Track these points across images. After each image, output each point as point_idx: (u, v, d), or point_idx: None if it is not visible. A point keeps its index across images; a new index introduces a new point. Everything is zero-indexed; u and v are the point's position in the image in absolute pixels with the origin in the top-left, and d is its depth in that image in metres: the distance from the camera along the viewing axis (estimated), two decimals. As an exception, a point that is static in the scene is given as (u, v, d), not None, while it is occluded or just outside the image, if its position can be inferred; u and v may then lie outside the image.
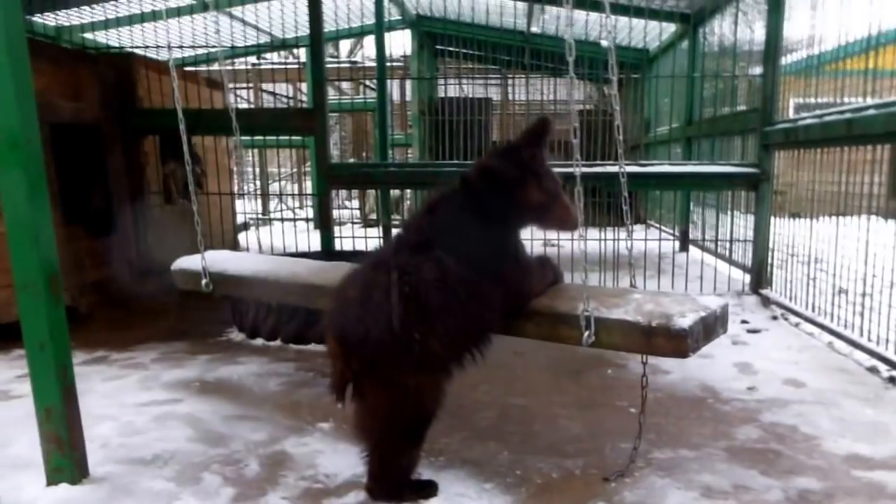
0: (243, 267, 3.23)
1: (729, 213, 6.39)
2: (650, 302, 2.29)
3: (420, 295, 2.10)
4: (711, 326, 2.26)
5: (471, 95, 10.21)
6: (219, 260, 3.33)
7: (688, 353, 2.15)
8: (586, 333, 2.24)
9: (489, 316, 2.25)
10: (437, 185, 2.46)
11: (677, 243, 7.83)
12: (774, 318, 5.01)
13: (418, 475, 2.52)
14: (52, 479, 2.39)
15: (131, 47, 7.24)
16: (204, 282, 3.23)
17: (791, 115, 5.26)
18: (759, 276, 5.54)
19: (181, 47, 7.82)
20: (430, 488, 2.37)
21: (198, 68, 9.07)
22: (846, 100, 4.39)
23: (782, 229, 5.28)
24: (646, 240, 6.14)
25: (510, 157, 2.35)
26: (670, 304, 2.26)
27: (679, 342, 2.14)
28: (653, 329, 2.17)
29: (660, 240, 6.58)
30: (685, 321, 2.15)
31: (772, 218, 5.41)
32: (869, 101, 3.96)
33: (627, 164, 6.66)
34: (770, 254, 5.46)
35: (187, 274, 3.34)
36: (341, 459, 2.60)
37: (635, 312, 2.23)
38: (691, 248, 7.72)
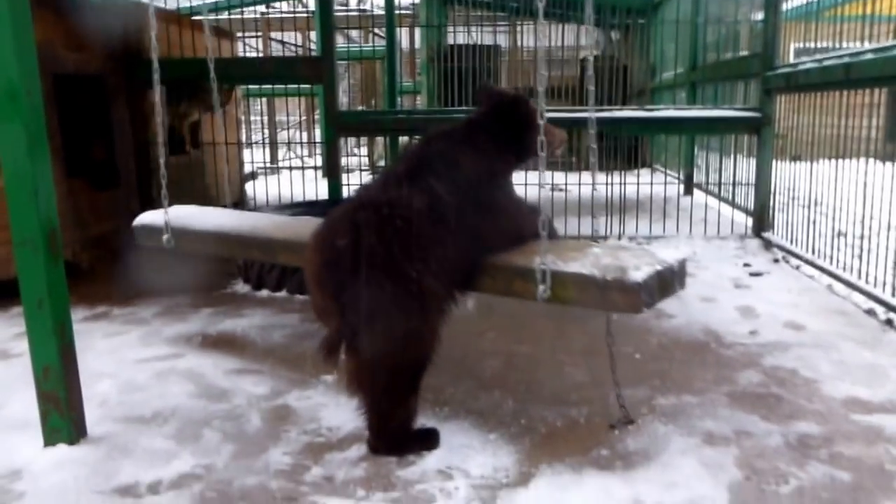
0: (206, 222, 3.10)
1: (732, 156, 6.27)
2: (608, 256, 2.19)
3: (413, 227, 2.00)
4: (668, 281, 2.15)
5: (479, 43, 9.87)
6: (182, 215, 3.18)
7: (641, 309, 2.05)
8: (541, 287, 2.13)
9: (480, 250, 2.19)
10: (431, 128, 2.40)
11: (682, 187, 7.72)
12: (776, 260, 4.92)
13: (422, 425, 2.43)
14: (50, 440, 2.31)
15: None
16: (165, 237, 3.08)
17: (791, 60, 5.27)
18: (761, 219, 5.47)
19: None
20: (432, 437, 2.29)
21: (206, 17, 8.75)
22: (845, 45, 4.38)
23: (783, 173, 5.25)
24: (651, 183, 6.00)
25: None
26: (628, 258, 2.16)
27: (632, 297, 2.03)
28: (607, 283, 2.06)
29: (665, 183, 6.44)
30: (639, 275, 2.04)
31: (773, 161, 5.38)
32: (867, 45, 3.95)
33: (634, 109, 6.49)
34: (772, 197, 5.40)
35: (149, 229, 3.19)
36: (344, 413, 2.52)
37: (591, 266, 2.12)
38: (695, 191, 7.61)
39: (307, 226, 2.90)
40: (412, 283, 1.99)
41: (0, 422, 2.52)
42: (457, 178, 2.15)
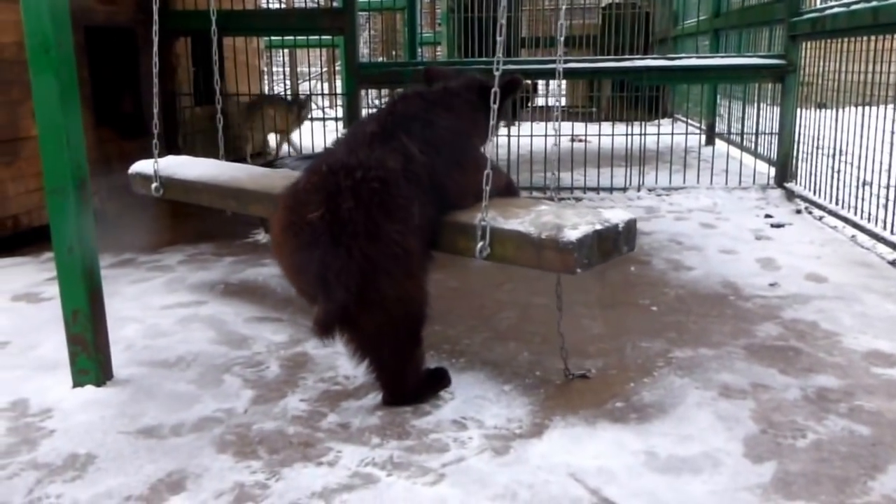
0: (192, 172, 3.10)
1: (755, 105, 6.03)
2: (551, 214, 2.03)
3: (391, 188, 1.90)
4: (612, 242, 2.00)
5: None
6: (172, 165, 3.18)
7: (574, 269, 1.90)
8: (480, 244, 2.02)
9: (449, 205, 2.11)
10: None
11: (703, 137, 7.49)
12: (798, 211, 4.76)
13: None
14: (78, 381, 2.32)
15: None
16: (154, 185, 3.12)
17: (818, 4, 5.00)
18: (784, 169, 5.30)
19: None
20: (443, 377, 2.25)
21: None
22: None
23: (807, 121, 5.04)
24: (672, 134, 5.80)
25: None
26: (570, 217, 2.00)
27: (566, 256, 1.90)
28: (542, 241, 1.93)
29: (686, 133, 6.23)
30: (575, 234, 1.90)
31: (797, 110, 5.18)
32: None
33: (655, 58, 6.24)
34: (795, 146, 5.21)
35: (142, 177, 3.21)
36: (360, 361, 2.47)
37: (530, 224, 1.98)
38: (717, 141, 7.37)
39: (281, 177, 2.87)
40: (397, 246, 1.89)
41: (32, 362, 2.54)
42: (428, 137, 2.05)
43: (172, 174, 3.11)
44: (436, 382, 2.24)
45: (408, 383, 2.16)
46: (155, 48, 3.18)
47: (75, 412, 2.17)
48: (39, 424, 2.11)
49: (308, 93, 10.79)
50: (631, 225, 2.07)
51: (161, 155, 3.18)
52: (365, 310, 1.94)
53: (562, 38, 2.29)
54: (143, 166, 3.23)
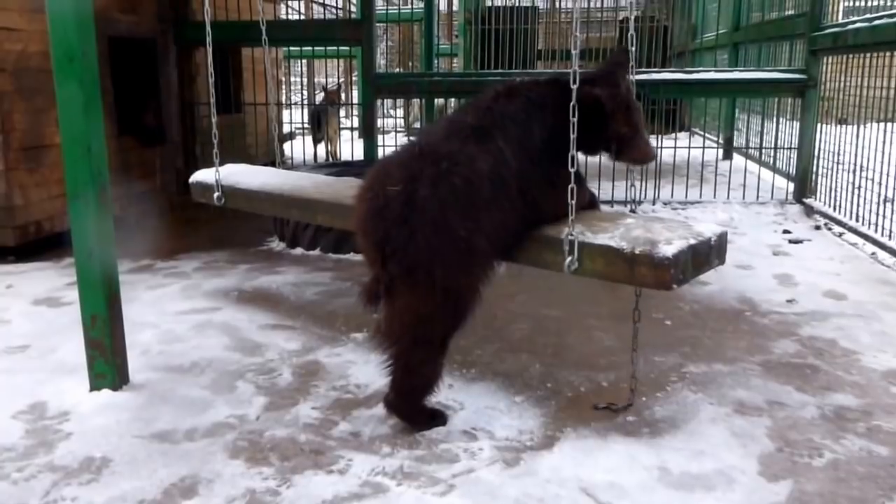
0: (253, 181, 3.10)
1: (774, 120, 5.99)
2: (640, 227, 1.99)
3: (473, 188, 1.88)
4: (704, 256, 1.95)
5: (518, 4, 9.57)
6: (233, 173, 3.20)
7: (671, 286, 1.86)
8: (569, 259, 1.98)
9: (535, 218, 2.05)
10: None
11: (721, 151, 7.46)
12: (817, 227, 4.71)
13: (449, 386, 2.39)
14: (95, 385, 2.35)
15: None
16: (216, 195, 3.14)
17: (840, 19, 4.95)
18: (803, 184, 5.26)
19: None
20: (440, 417, 2.18)
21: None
22: None
23: (828, 137, 5.01)
24: (689, 147, 5.77)
25: (608, 85, 2.10)
26: (661, 231, 1.96)
27: (662, 272, 1.85)
28: (635, 257, 1.88)
29: (703, 147, 6.20)
30: (670, 249, 1.85)
31: (817, 125, 5.15)
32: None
33: (673, 71, 6.23)
34: (815, 162, 5.17)
35: (203, 186, 3.24)
36: (372, 370, 2.48)
37: (621, 238, 1.94)
38: (735, 155, 7.33)
39: (346, 187, 2.84)
40: (461, 241, 1.88)
41: (51, 366, 2.57)
42: (525, 144, 1.98)
43: (235, 183, 3.11)
44: (432, 417, 2.17)
45: (416, 388, 2.11)
46: (208, 58, 3.22)
47: (92, 415, 2.20)
48: (57, 427, 2.14)
49: (336, 82, 10.90)
50: (723, 238, 2.05)
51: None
52: (410, 288, 1.93)
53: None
54: (203, 175, 3.26)
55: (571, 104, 1.96)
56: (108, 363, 2.34)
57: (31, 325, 2.99)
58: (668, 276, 1.84)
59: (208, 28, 3.12)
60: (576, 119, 1.95)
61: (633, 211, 2.40)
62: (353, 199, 2.10)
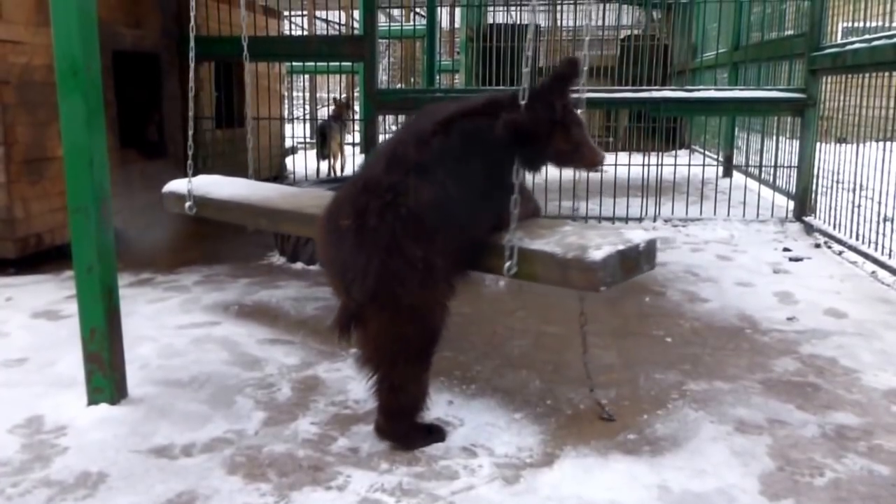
0: (224, 191, 3.14)
1: (774, 138, 6.03)
2: (575, 234, 2.11)
3: (420, 214, 1.95)
4: (633, 261, 2.07)
5: (518, 22, 9.66)
6: (205, 184, 3.23)
7: (598, 287, 1.98)
8: (508, 263, 2.08)
9: (485, 232, 2.14)
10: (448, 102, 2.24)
11: (721, 169, 7.49)
12: (817, 245, 4.71)
13: (449, 402, 2.38)
14: (93, 399, 2.34)
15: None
16: (188, 204, 3.16)
17: (839, 39, 5.04)
18: (803, 202, 5.28)
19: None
20: (438, 433, 2.17)
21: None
22: (894, 24, 4.18)
23: (827, 155, 5.04)
24: (689, 165, 5.80)
25: (540, 107, 2.10)
26: (593, 238, 2.08)
27: (590, 275, 1.97)
28: (567, 261, 2.00)
29: (703, 165, 6.23)
30: (599, 254, 1.97)
31: (817, 144, 5.19)
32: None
33: (673, 89, 6.28)
34: (814, 180, 5.20)
35: (175, 196, 3.26)
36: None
37: (555, 244, 2.06)
38: (735, 173, 7.36)
39: (311, 198, 2.93)
40: (417, 261, 1.94)
41: (48, 379, 2.56)
42: (466, 176, 2.02)
43: (206, 193, 3.16)
44: (429, 433, 2.15)
45: (405, 410, 2.10)
46: (191, 73, 3.28)
47: (89, 430, 2.19)
48: (53, 441, 2.13)
49: (345, 94, 11.02)
50: (651, 244, 2.13)
51: (180, 176, 3.24)
52: (378, 312, 1.99)
53: (585, 68, 2.30)
54: (176, 185, 3.29)
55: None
56: (106, 377, 2.32)
57: (30, 338, 2.98)
58: (597, 278, 1.96)
59: (192, 42, 3.13)
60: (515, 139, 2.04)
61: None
62: (316, 231, 2.17)
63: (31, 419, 2.26)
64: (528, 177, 2.24)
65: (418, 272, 1.95)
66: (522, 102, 2.08)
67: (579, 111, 2.24)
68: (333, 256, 2.05)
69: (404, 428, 2.11)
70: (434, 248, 1.96)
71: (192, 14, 3.11)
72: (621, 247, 2.02)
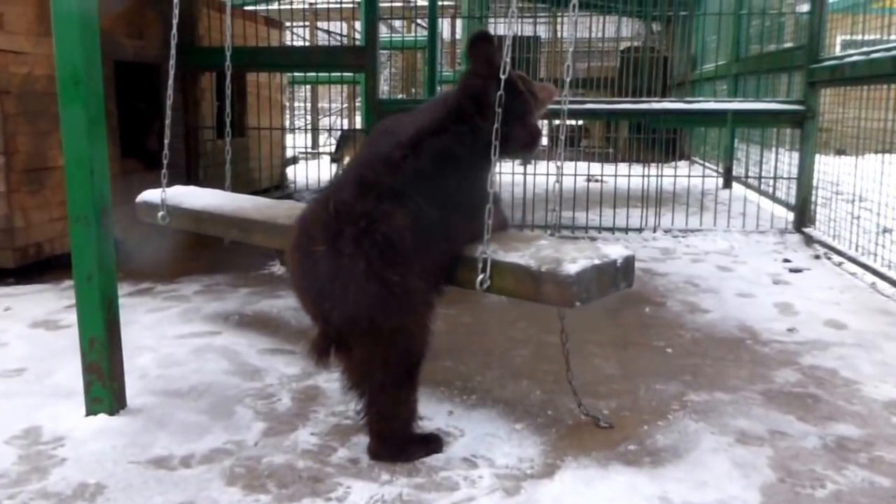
0: (197, 202, 3.12)
1: (773, 149, 6.05)
2: (551, 248, 2.06)
3: (396, 242, 1.91)
4: (609, 277, 2.01)
5: (520, 34, 9.73)
6: (178, 194, 3.21)
7: (573, 303, 1.92)
8: (481, 276, 2.03)
9: (460, 247, 2.11)
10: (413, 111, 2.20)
11: (720, 180, 7.52)
12: (817, 257, 4.72)
13: (449, 412, 2.37)
14: (91, 410, 2.33)
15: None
16: (160, 214, 3.13)
17: (838, 52, 5.12)
18: (803, 213, 5.29)
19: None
20: (436, 441, 2.16)
21: (257, 7, 8.82)
22: (893, 37, 4.24)
23: (827, 167, 5.09)
24: (689, 176, 5.82)
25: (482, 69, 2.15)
26: (569, 251, 2.02)
27: (564, 290, 1.91)
28: (541, 274, 1.94)
29: (703, 176, 6.25)
30: (574, 268, 1.91)
31: (816, 155, 5.21)
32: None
33: (673, 101, 6.31)
34: (814, 191, 5.22)
35: (148, 206, 3.22)
36: (372, 395, 2.46)
37: (530, 257, 2.01)
38: (735, 184, 7.38)
39: (285, 209, 2.92)
40: (395, 286, 1.91)
41: (47, 390, 2.55)
42: (441, 196, 2.00)
43: (179, 203, 3.13)
44: (426, 444, 2.14)
45: (396, 431, 2.09)
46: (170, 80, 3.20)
47: (87, 441, 2.18)
48: (51, 452, 2.12)
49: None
50: (629, 261, 2.08)
51: (186, 184, 3.23)
52: (358, 338, 1.96)
53: (568, 79, 2.28)
54: (149, 195, 3.26)
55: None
56: (105, 387, 2.32)
57: (28, 348, 2.98)
58: (571, 293, 1.91)
59: (173, 51, 3.10)
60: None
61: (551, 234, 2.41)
62: (287, 257, 2.14)
63: (29, 430, 2.25)
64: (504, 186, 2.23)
65: (396, 297, 1.91)
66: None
67: (566, 121, 2.26)
68: (308, 284, 2.00)
69: (399, 445, 2.10)
70: (412, 271, 1.93)
71: (175, 22, 3.07)
72: (597, 261, 1.97)
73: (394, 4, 12.28)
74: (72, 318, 2.66)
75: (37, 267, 4.06)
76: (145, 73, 5.38)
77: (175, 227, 3.20)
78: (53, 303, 3.60)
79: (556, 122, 9.81)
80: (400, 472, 2.02)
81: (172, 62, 3.17)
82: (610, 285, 2.02)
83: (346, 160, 8.09)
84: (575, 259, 1.95)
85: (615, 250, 2.07)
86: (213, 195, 3.25)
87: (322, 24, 12.94)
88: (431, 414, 2.35)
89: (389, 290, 1.90)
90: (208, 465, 2.06)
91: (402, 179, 1.97)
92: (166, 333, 3.14)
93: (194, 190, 3.36)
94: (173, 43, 3.09)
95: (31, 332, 3.19)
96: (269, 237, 2.83)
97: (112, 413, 2.32)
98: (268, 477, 2.00)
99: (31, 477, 1.99)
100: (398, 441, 2.10)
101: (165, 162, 3.11)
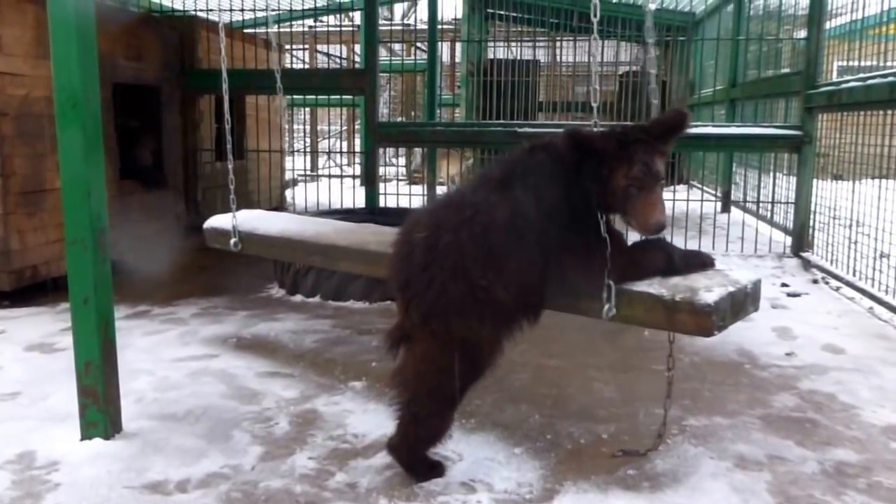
0: (272, 227, 3.11)
1: (771, 174, 6.12)
2: (678, 276, 2.04)
3: (491, 236, 1.89)
4: (741, 303, 2.00)
5: (519, 57, 9.86)
6: (249, 219, 3.21)
7: (712, 332, 1.90)
8: (606, 306, 1.98)
9: (560, 280, 1.98)
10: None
11: (719, 204, 7.58)
12: (815, 281, 4.75)
13: (448, 436, 2.37)
14: (87, 434, 2.33)
15: (194, 11, 7.13)
16: (233, 241, 3.13)
17: (835, 78, 5.17)
18: (801, 238, 5.33)
19: (242, 10, 7.67)
20: (439, 468, 2.16)
21: (256, 30, 8.93)
22: (889, 63, 4.31)
23: (824, 192, 5.13)
24: (688, 200, 5.87)
25: (612, 136, 1.99)
26: (699, 279, 2.01)
27: (703, 319, 1.89)
28: (676, 304, 1.91)
29: (702, 200, 6.30)
30: (711, 296, 1.89)
31: (814, 180, 5.27)
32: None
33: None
34: (812, 216, 5.26)
35: (217, 232, 3.24)
36: (371, 419, 2.49)
37: (659, 285, 1.98)
38: (733, 209, 7.45)
39: (370, 233, 2.88)
40: (479, 290, 1.89)
41: (41, 413, 2.56)
42: (544, 195, 1.95)
43: (253, 229, 3.11)
44: (431, 468, 2.15)
45: (421, 439, 2.09)
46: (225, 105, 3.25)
47: (82, 465, 2.18)
48: (45, 477, 2.12)
49: None
50: (757, 285, 2.10)
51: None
52: (427, 337, 1.96)
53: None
54: (219, 221, 3.25)
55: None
56: (100, 411, 2.32)
57: (23, 371, 2.99)
58: (710, 322, 1.88)
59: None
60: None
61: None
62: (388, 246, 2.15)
63: (23, 454, 2.25)
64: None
65: (478, 303, 1.89)
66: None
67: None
68: (399, 269, 2.01)
69: (413, 457, 2.11)
70: (501, 278, 1.89)
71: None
72: (731, 288, 1.96)
73: (394, 27, 12.46)
74: (68, 341, 2.66)
75: (33, 290, 4.07)
76: (144, 95, 5.43)
77: (248, 254, 3.17)
78: (49, 326, 3.61)
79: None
80: (398, 497, 2.03)
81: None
82: (741, 311, 2.02)
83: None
84: (709, 287, 1.94)
85: (744, 276, 2.07)
86: (286, 220, 3.24)
87: (322, 47, 13.09)
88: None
89: (472, 295, 1.88)
90: (204, 490, 2.06)
91: (511, 170, 1.97)
92: (163, 356, 3.15)
93: (261, 214, 3.35)
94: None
95: (27, 355, 3.20)
96: (357, 264, 2.75)
97: (107, 437, 2.32)
98: (265, 502, 2.00)
99: (24, 502, 1.99)
100: (418, 452, 2.10)
101: (232, 188, 3.10)
